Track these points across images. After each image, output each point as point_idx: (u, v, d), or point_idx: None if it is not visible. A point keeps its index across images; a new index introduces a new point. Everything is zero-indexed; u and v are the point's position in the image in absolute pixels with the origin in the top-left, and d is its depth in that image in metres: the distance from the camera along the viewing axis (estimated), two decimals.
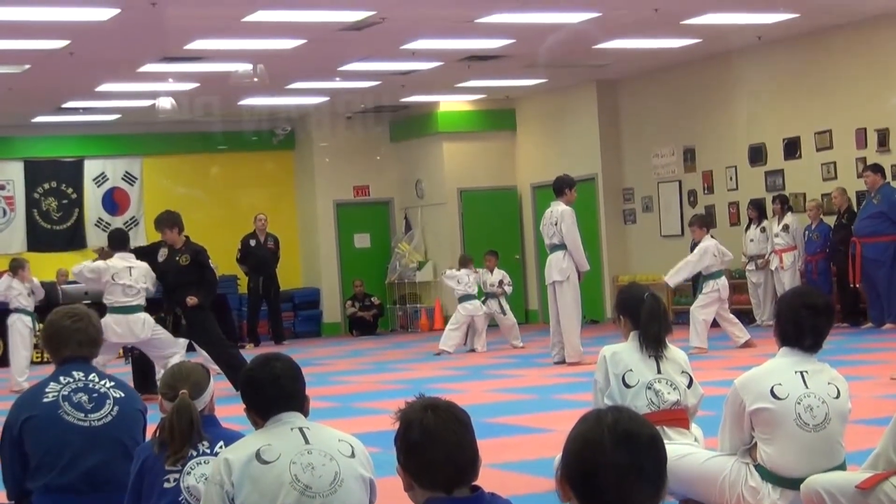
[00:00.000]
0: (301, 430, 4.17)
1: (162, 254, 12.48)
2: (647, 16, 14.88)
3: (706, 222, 15.21)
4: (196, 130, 21.32)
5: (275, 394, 4.23)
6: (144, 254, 12.84)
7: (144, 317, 12.02)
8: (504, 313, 16.77)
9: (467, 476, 3.27)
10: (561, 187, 13.76)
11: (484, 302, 16.67)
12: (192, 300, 12.07)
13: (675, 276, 14.49)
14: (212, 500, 4.11)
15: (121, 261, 12.19)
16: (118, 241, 12.58)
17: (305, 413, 4.29)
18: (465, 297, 16.45)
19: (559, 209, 13.62)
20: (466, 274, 16.59)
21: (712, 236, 14.80)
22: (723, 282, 14.26)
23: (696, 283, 15.00)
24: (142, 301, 12.12)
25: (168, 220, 12.33)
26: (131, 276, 12.05)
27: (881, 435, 5.11)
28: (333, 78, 18.36)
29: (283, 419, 4.21)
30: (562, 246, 13.60)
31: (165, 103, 17.89)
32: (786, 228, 16.86)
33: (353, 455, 4.17)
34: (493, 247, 17.90)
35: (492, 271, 16.95)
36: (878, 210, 15.46)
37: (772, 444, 5.37)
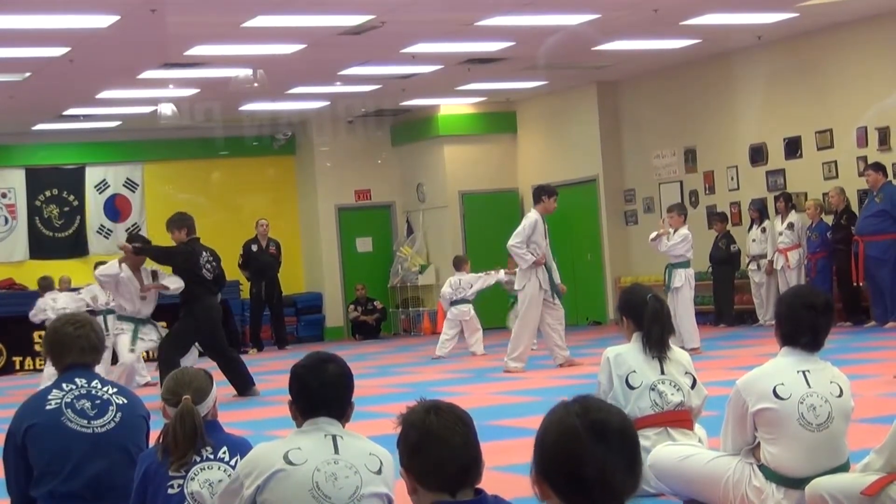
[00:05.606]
0: (334, 438, 4.16)
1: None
2: (646, 16, 14.88)
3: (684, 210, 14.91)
4: (197, 136, 21.30)
5: (319, 398, 4.22)
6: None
7: None
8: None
9: (471, 478, 3.27)
10: (538, 195, 13.41)
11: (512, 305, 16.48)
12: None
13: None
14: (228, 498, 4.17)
15: None
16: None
17: (347, 419, 4.27)
18: (456, 302, 16.36)
19: (529, 217, 13.32)
20: (458, 278, 16.51)
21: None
22: (690, 272, 14.17)
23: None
24: None
25: (176, 221, 12.59)
26: None
27: (884, 433, 5.11)
28: (334, 82, 18.36)
29: (320, 424, 4.20)
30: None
31: (166, 109, 17.93)
32: (790, 226, 16.81)
33: (379, 472, 4.15)
34: (494, 249, 17.81)
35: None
36: (880, 208, 15.46)
37: (775, 444, 5.36)
